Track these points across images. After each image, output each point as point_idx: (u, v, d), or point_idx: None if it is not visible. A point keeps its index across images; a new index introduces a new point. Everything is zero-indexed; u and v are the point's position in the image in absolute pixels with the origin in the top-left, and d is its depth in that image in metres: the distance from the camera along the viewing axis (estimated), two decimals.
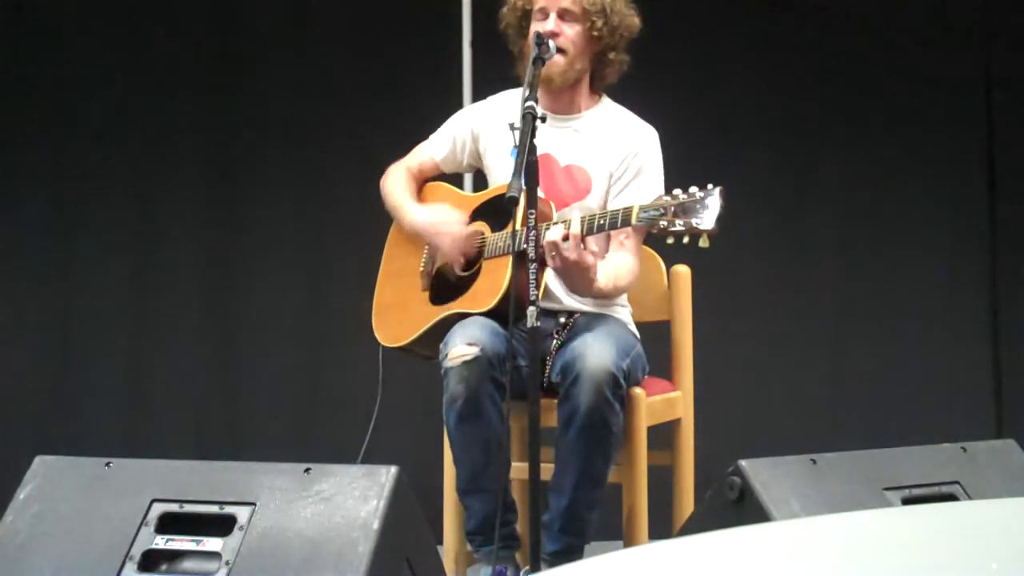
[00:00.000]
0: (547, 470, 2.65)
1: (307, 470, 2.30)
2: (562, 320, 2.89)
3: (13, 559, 2.27)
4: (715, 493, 2.41)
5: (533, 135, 2.47)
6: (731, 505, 2.34)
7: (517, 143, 2.47)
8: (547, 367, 2.79)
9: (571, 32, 2.85)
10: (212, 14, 4.14)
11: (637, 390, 2.79)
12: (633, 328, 2.96)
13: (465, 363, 2.63)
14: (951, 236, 4.14)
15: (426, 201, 3.06)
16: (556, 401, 2.70)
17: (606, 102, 3.00)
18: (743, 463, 2.37)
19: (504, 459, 2.72)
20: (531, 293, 2.45)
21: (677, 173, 2.86)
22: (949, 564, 1.35)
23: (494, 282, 2.77)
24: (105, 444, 3.67)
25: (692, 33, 4.02)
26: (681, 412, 3.04)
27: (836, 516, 1.78)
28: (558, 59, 2.83)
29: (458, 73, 3.93)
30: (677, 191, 2.52)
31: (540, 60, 2.65)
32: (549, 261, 2.58)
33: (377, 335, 3.00)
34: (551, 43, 2.74)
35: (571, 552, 2.73)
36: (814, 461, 2.45)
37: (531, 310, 2.44)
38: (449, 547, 2.94)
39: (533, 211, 2.46)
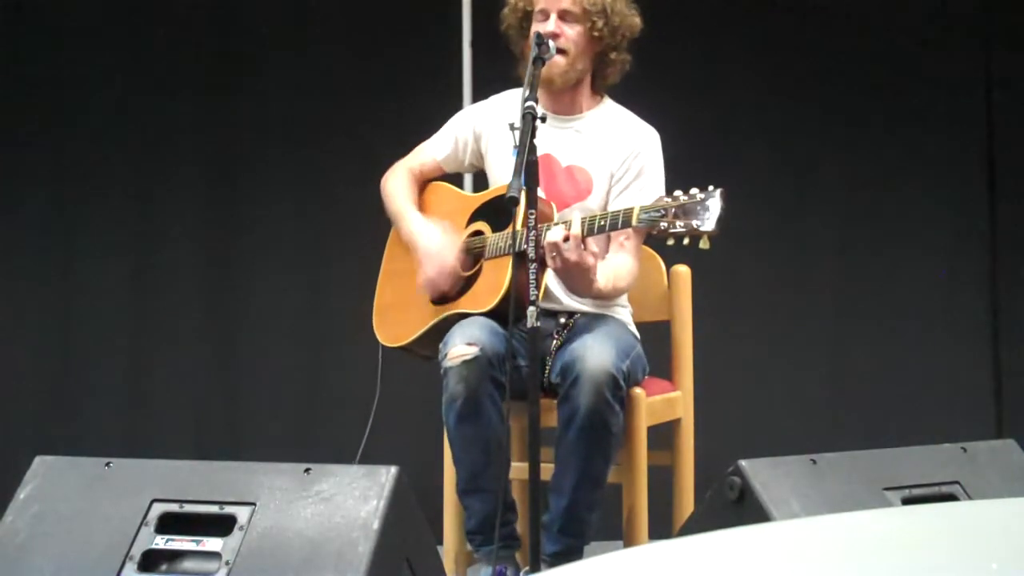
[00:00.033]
0: (547, 470, 2.65)
1: (307, 470, 2.30)
2: (562, 320, 2.89)
3: (13, 559, 2.27)
4: (715, 493, 2.41)
5: (533, 135, 2.47)
6: (731, 505, 2.34)
7: (517, 143, 2.47)
8: (547, 367, 2.79)
9: (572, 33, 2.84)
10: (212, 14, 4.14)
11: (637, 390, 2.79)
12: (633, 328, 2.96)
13: (465, 363, 2.63)
14: (951, 236, 4.14)
15: (427, 202, 3.05)
16: (556, 401, 2.70)
17: (607, 103, 3.00)
18: (743, 463, 2.37)
19: (504, 459, 2.72)
20: (531, 293, 2.45)
21: (677, 173, 2.86)
22: (949, 564, 1.35)
23: (494, 282, 2.77)
24: (105, 444, 3.67)
25: (692, 33, 4.02)
26: (681, 412, 3.04)
27: (836, 516, 1.78)
28: (559, 60, 2.83)
29: (458, 73, 3.93)
30: (678, 192, 2.52)
31: (540, 60, 2.65)
32: (549, 262, 2.58)
33: (377, 335, 3.00)
34: (551, 43, 2.74)
35: (571, 553, 2.73)
36: (814, 461, 2.45)
37: (531, 310, 2.44)
38: (449, 547, 2.94)
39: (533, 211, 2.46)
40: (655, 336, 3.04)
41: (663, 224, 2.49)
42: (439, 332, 2.77)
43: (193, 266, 4.13)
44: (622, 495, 2.83)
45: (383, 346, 2.99)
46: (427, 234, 2.91)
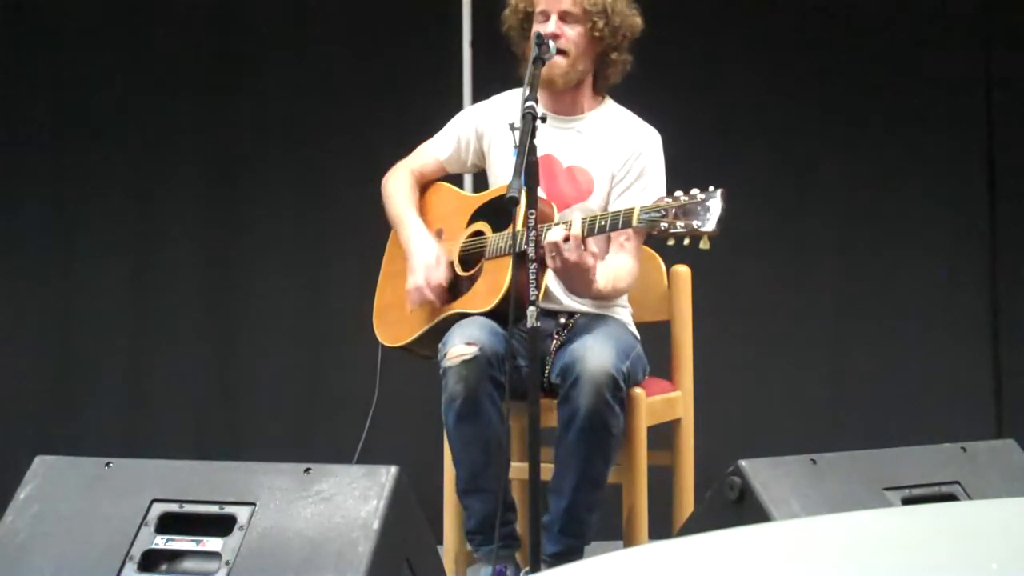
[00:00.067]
0: (546, 470, 2.65)
1: (307, 470, 2.30)
2: (562, 321, 2.89)
3: (13, 559, 2.27)
4: (715, 493, 2.41)
5: (533, 135, 2.47)
6: (731, 505, 2.34)
7: (517, 143, 2.47)
8: (547, 367, 2.79)
9: (572, 33, 2.84)
10: (212, 14, 4.14)
11: (637, 390, 2.79)
12: (633, 329, 2.96)
13: (464, 362, 2.63)
14: (951, 236, 4.14)
15: (428, 202, 3.05)
16: (555, 401, 2.70)
17: (609, 103, 3.00)
18: (743, 463, 2.36)
19: (504, 459, 2.72)
20: (531, 293, 2.45)
21: (677, 173, 2.86)
22: (949, 564, 1.35)
23: (494, 282, 2.77)
24: (105, 444, 3.67)
25: (692, 33, 4.02)
26: (681, 412, 3.04)
27: (836, 516, 1.78)
28: (560, 61, 2.83)
29: (458, 73, 3.93)
30: (678, 193, 2.52)
31: (540, 60, 2.65)
32: (549, 262, 2.58)
33: (377, 335, 3.00)
34: (551, 43, 2.74)
35: (571, 553, 2.73)
36: (814, 461, 2.45)
37: (531, 310, 2.44)
38: (449, 547, 2.94)
39: (533, 211, 2.46)
40: (655, 336, 3.04)
41: (663, 224, 2.49)
42: (439, 332, 2.77)
43: (193, 266, 4.13)
44: (622, 495, 2.83)
45: (382, 346, 2.99)
46: (422, 246, 2.90)
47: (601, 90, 2.99)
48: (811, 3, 4.10)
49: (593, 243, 2.66)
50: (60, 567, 2.24)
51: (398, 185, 3.04)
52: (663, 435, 3.01)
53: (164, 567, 2.25)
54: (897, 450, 2.60)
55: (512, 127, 2.48)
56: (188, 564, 2.25)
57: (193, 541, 2.25)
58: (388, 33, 4.09)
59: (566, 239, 2.55)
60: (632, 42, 2.92)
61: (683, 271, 3.08)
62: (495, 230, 2.85)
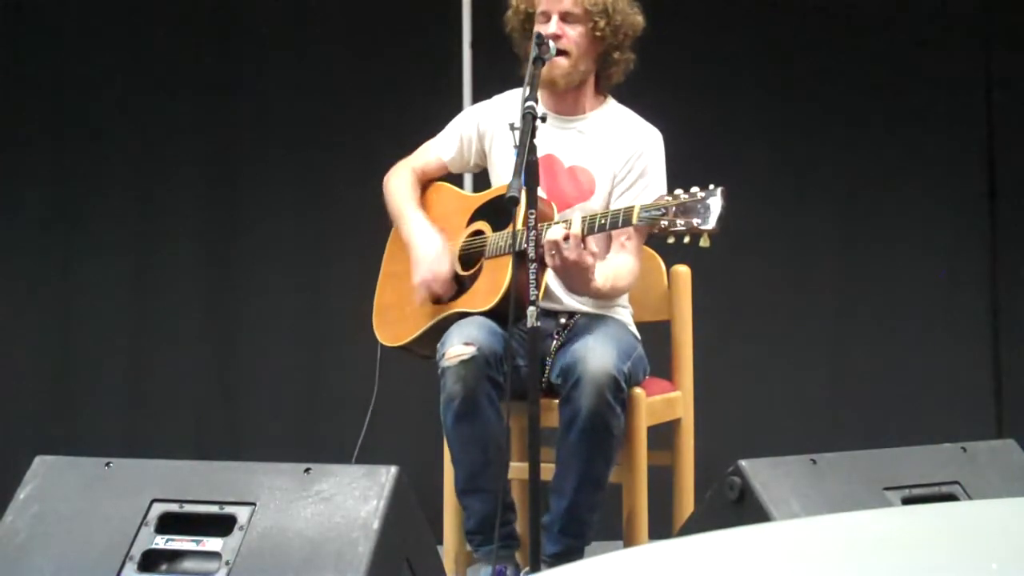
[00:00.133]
0: (546, 470, 2.65)
1: (307, 470, 2.30)
2: (562, 321, 2.89)
3: (13, 559, 2.27)
4: (715, 493, 2.41)
5: (533, 135, 2.47)
6: (731, 505, 2.34)
7: (517, 143, 2.47)
8: (547, 368, 2.79)
9: (574, 34, 2.84)
10: (212, 14, 4.14)
11: (637, 390, 2.79)
12: (634, 329, 2.96)
13: (462, 363, 2.63)
14: (951, 236, 4.14)
15: (429, 201, 3.05)
16: (555, 401, 2.70)
17: (611, 103, 3.00)
18: (743, 463, 2.36)
19: (503, 459, 2.72)
20: (531, 293, 2.45)
21: (677, 173, 2.86)
22: (949, 564, 1.35)
23: (494, 282, 2.77)
24: (105, 444, 3.67)
25: (692, 33, 4.02)
26: (681, 412, 3.04)
27: (836, 516, 1.78)
28: (561, 61, 2.83)
29: (458, 73, 3.93)
30: (678, 191, 2.52)
31: (540, 60, 2.65)
32: (548, 260, 2.58)
33: (377, 334, 3.00)
34: (551, 43, 2.74)
35: (571, 553, 2.73)
36: (814, 461, 2.45)
37: (531, 310, 2.44)
38: (449, 547, 2.94)
39: (533, 211, 2.46)
40: (655, 336, 3.04)
41: (664, 222, 2.49)
42: (439, 332, 2.77)
43: (193, 266, 4.13)
44: (622, 495, 2.83)
45: (382, 346, 2.99)
46: (425, 239, 2.91)
47: (603, 90, 2.99)
48: (811, 3, 4.10)
49: (593, 242, 2.65)
50: (60, 567, 2.24)
51: (399, 182, 3.04)
52: (663, 435, 3.01)
53: (164, 567, 2.25)
54: (897, 450, 2.60)
55: (512, 127, 2.48)
56: (188, 564, 2.25)
57: (193, 541, 2.25)
58: (388, 33, 4.09)
59: (566, 238, 2.55)
60: (634, 41, 2.92)
61: (683, 271, 3.08)
62: (495, 229, 2.85)
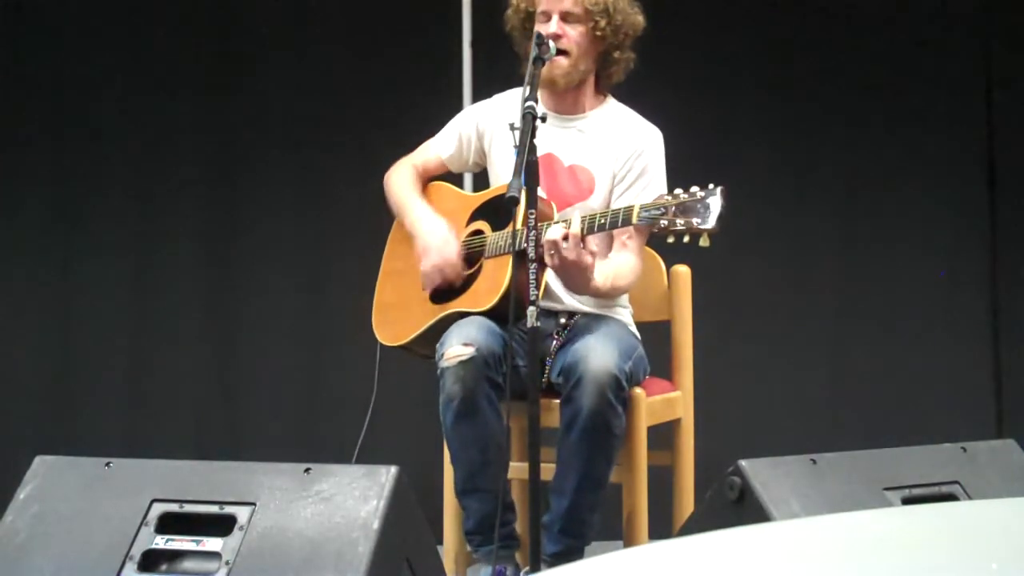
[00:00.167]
0: (546, 470, 2.65)
1: (307, 470, 2.30)
2: (562, 321, 2.89)
3: (13, 559, 2.27)
4: (715, 493, 2.41)
5: (533, 135, 2.47)
6: (731, 505, 2.34)
7: (517, 143, 2.47)
8: (546, 368, 2.79)
9: (574, 33, 2.84)
10: (212, 14, 4.14)
11: (637, 390, 2.79)
12: (634, 329, 2.96)
13: (461, 363, 2.63)
14: (951, 236, 4.14)
15: (428, 200, 3.05)
16: (555, 401, 2.70)
17: (611, 102, 3.00)
18: (743, 463, 2.36)
19: (503, 460, 2.72)
20: (531, 293, 2.45)
21: (677, 173, 2.86)
22: (949, 564, 1.35)
23: (494, 281, 2.77)
24: (105, 444, 3.67)
25: (692, 33, 4.02)
26: (681, 412, 3.04)
27: (836, 516, 1.78)
28: (561, 61, 2.83)
29: (458, 73, 3.93)
30: (678, 190, 2.52)
31: (540, 60, 2.65)
32: (548, 260, 2.58)
33: (377, 334, 3.00)
34: (551, 43, 2.74)
35: (571, 553, 2.73)
36: (814, 461, 2.45)
37: (531, 310, 2.44)
38: (449, 547, 2.94)
39: (533, 211, 2.46)
40: (655, 336, 3.04)
41: (663, 222, 2.50)
42: (438, 331, 2.77)
43: (193, 266, 4.13)
44: (622, 495, 2.83)
45: (381, 345, 2.99)
46: (431, 225, 2.91)
47: (604, 89, 2.99)
48: (811, 3, 4.10)
49: (594, 242, 2.65)
50: (60, 567, 2.24)
51: (401, 178, 3.04)
52: (663, 435, 3.01)
53: (164, 567, 2.25)
54: (897, 450, 2.60)
55: (512, 127, 2.48)
56: (188, 564, 2.25)
57: (193, 541, 2.25)
58: (388, 33, 4.09)
59: (565, 237, 2.55)
60: (634, 40, 2.92)
61: (683, 271, 3.08)
62: (495, 229, 2.85)
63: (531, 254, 2.45)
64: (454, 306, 2.83)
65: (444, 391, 2.67)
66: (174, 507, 2.30)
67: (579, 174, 2.91)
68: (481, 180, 3.16)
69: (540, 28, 2.82)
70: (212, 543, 2.23)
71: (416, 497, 2.36)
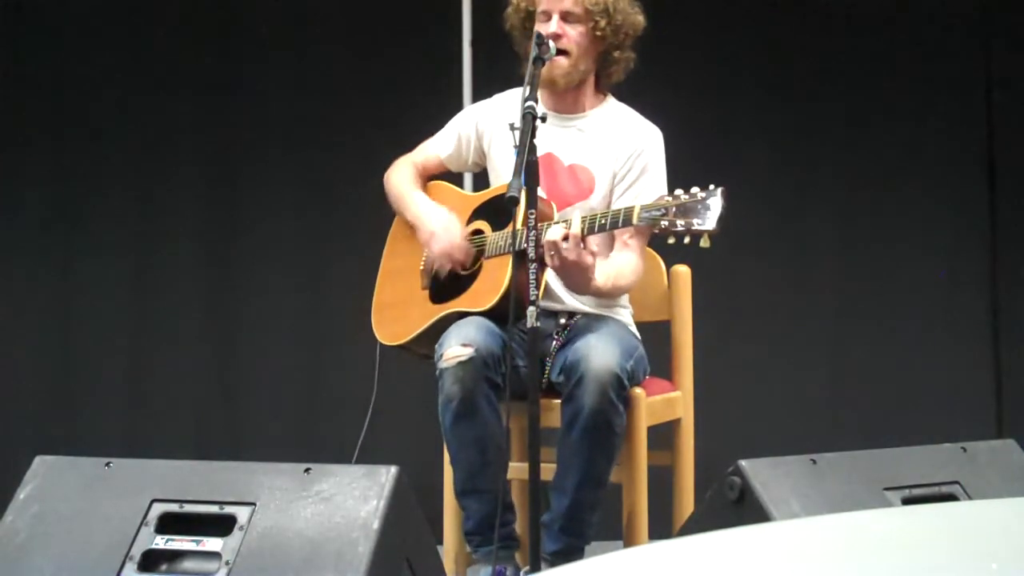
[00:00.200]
0: (545, 470, 2.65)
1: (307, 470, 2.30)
2: (562, 321, 2.89)
3: (13, 559, 2.27)
4: (715, 493, 2.41)
5: (533, 135, 2.47)
6: (731, 505, 2.34)
7: (517, 143, 2.47)
8: (546, 368, 2.79)
9: (574, 33, 2.84)
10: (212, 14, 4.14)
11: (637, 390, 2.78)
12: (634, 329, 2.96)
13: (460, 364, 2.63)
14: (951, 236, 4.14)
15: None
16: (555, 401, 2.70)
17: (611, 102, 3.00)
18: (743, 463, 2.36)
19: (503, 460, 2.72)
20: (531, 293, 2.45)
21: (677, 173, 2.86)
22: (949, 564, 1.35)
23: (494, 281, 2.77)
24: (105, 444, 3.67)
25: (692, 33, 4.02)
26: (681, 412, 3.04)
27: (836, 516, 1.78)
28: (561, 61, 2.83)
29: (458, 73, 3.93)
30: (679, 191, 2.52)
31: (540, 60, 2.65)
32: (548, 260, 2.58)
33: (376, 333, 3.00)
34: (551, 43, 2.74)
35: (571, 552, 2.73)
36: (814, 461, 2.45)
37: (531, 310, 2.44)
38: (449, 547, 2.94)
39: (533, 211, 2.46)
40: (655, 336, 3.04)
41: (664, 223, 2.49)
42: (437, 331, 2.77)
43: (193, 266, 4.13)
44: (622, 495, 2.83)
45: (381, 345, 2.98)
46: (433, 212, 2.92)
47: (603, 88, 2.99)
48: (811, 3, 4.10)
49: (595, 241, 2.66)
50: (60, 567, 2.24)
51: (400, 175, 3.05)
52: (663, 435, 3.01)
53: (164, 567, 2.25)
54: (897, 450, 2.60)
55: (512, 127, 2.48)
56: (188, 564, 2.25)
57: (193, 541, 2.25)
58: (388, 33, 4.09)
59: (565, 238, 2.55)
60: (635, 40, 2.92)
61: (683, 271, 3.08)
62: (495, 229, 2.85)
63: (531, 254, 2.45)
64: (454, 306, 2.83)
65: (443, 392, 2.67)
66: (174, 507, 2.30)
67: (579, 174, 2.91)
68: (481, 180, 3.16)
69: (540, 28, 2.82)
70: (212, 543, 2.23)
71: (416, 497, 2.36)
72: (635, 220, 2.57)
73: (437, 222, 2.90)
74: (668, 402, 3.00)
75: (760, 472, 2.36)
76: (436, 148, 3.07)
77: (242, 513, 2.25)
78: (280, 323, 4.11)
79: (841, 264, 4.14)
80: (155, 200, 4.14)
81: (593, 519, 2.73)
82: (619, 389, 2.62)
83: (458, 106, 3.56)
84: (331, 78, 4.13)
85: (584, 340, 2.71)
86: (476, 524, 2.74)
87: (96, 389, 4.06)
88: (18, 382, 4.05)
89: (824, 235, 4.14)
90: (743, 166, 4.00)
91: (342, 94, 4.11)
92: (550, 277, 2.79)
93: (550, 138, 2.83)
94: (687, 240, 2.47)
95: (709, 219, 2.45)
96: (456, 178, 3.28)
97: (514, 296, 2.55)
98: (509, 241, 2.71)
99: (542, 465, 2.46)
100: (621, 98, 3.01)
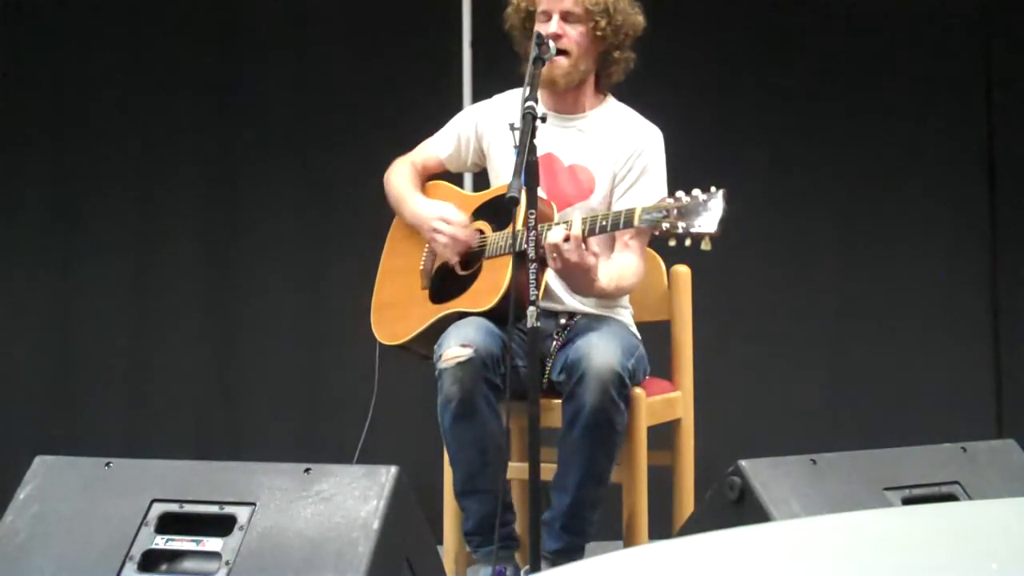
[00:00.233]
0: (545, 470, 2.65)
1: (307, 470, 2.30)
2: (562, 321, 2.89)
3: (13, 559, 2.27)
4: (715, 493, 2.41)
5: (533, 135, 2.47)
6: (731, 505, 2.34)
7: (517, 143, 2.47)
8: (546, 368, 2.79)
9: (574, 33, 2.84)
10: (212, 14, 4.14)
11: (637, 390, 2.79)
12: (634, 330, 2.96)
13: (459, 364, 2.63)
14: (951, 236, 4.14)
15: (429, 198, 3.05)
16: (556, 401, 2.70)
17: (611, 102, 3.00)
18: (743, 463, 2.37)
19: (502, 460, 2.72)
20: (531, 293, 2.45)
21: (677, 173, 2.86)
22: (949, 564, 1.35)
23: (494, 282, 2.77)
24: (105, 444, 3.67)
25: (692, 33, 4.02)
26: (681, 412, 3.04)
27: (836, 516, 1.78)
28: (561, 61, 2.83)
29: (458, 73, 3.93)
30: (680, 193, 2.52)
31: (540, 60, 2.65)
32: (550, 263, 2.59)
33: (376, 332, 3.00)
34: (551, 43, 2.74)
35: (572, 551, 2.73)
36: (814, 461, 2.45)
37: (531, 310, 2.44)
38: (449, 547, 2.94)
39: (533, 211, 2.46)
40: (655, 336, 3.04)
41: (665, 225, 2.49)
42: (437, 331, 2.77)
43: (193, 266, 4.13)
44: (622, 495, 2.83)
45: (381, 345, 2.98)
46: (431, 205, 2.93)
47: (603, 88, 2.99)
48: (811, 3, 4.10)
49: (596, 242, 2.65)
50: (60, 567, 2.24)
51: (400, 175, 3.05)
52: (663, 435, 3.01)
53: (164, 567, 2.25)
54: (897, 450, 2.60)
55: (512, 127, 2.48)
56: (188, 564, 2.25)
57: (193, 541, 2.25)
58: (388, 33, 4.09)
59: (566, 239, 2.55)
60: (635, 40, 2.92)
61: (683, 271, 3.08)
62: (495, 229, 2.85)
63: (531, 254, 2.45)
64: (453, 306, 2.83)
65: (442, 392, 2.67)
66: (174, 507, 2.30)
67: (579, 174, 2.91)
68: (481, 180, 3.16)
69: (540, 28, 2.82)
70: (212, 543, 2.23)
71: (416, 497, 2.36)
72: (636, 222, 2.57)
73: (435, 213, 2.90)
74: (668, 402, 3.00)
75: (760, 472, 2.36)
76: (436, 148, 3.07)
77: (242, 513, 2.25)
78: (280, 323, 4.11)
79: (841, 264, 4.14)
80: (155, 200, 4.14)
81: (594, 517, 2.73)
82: (620, 387, 2.62)
83: (458, 106, 3.56)
84: (331, 78, 4.13)
85: (585, 339, 2.71)
86: (476, 524, 2.75)
87: (96, 389, 4.06)
88: (18, 382, 4.05)
89: (824, 235, 4.14)
90: (743, 166, 4.00)
91: (342, 94, 4.11)
92: (550, 278, 2.79)
93: (550, 138, 2.83)
94: (688, 243, 2.47)
95: (710, 221, 2.44)
96: (456, 178, 3.28)
97: (514, 296, 2.55)
98: (509, 241, 2.71)
99: (542, 465, 2.46)
100: (621, 98, 3.01)
